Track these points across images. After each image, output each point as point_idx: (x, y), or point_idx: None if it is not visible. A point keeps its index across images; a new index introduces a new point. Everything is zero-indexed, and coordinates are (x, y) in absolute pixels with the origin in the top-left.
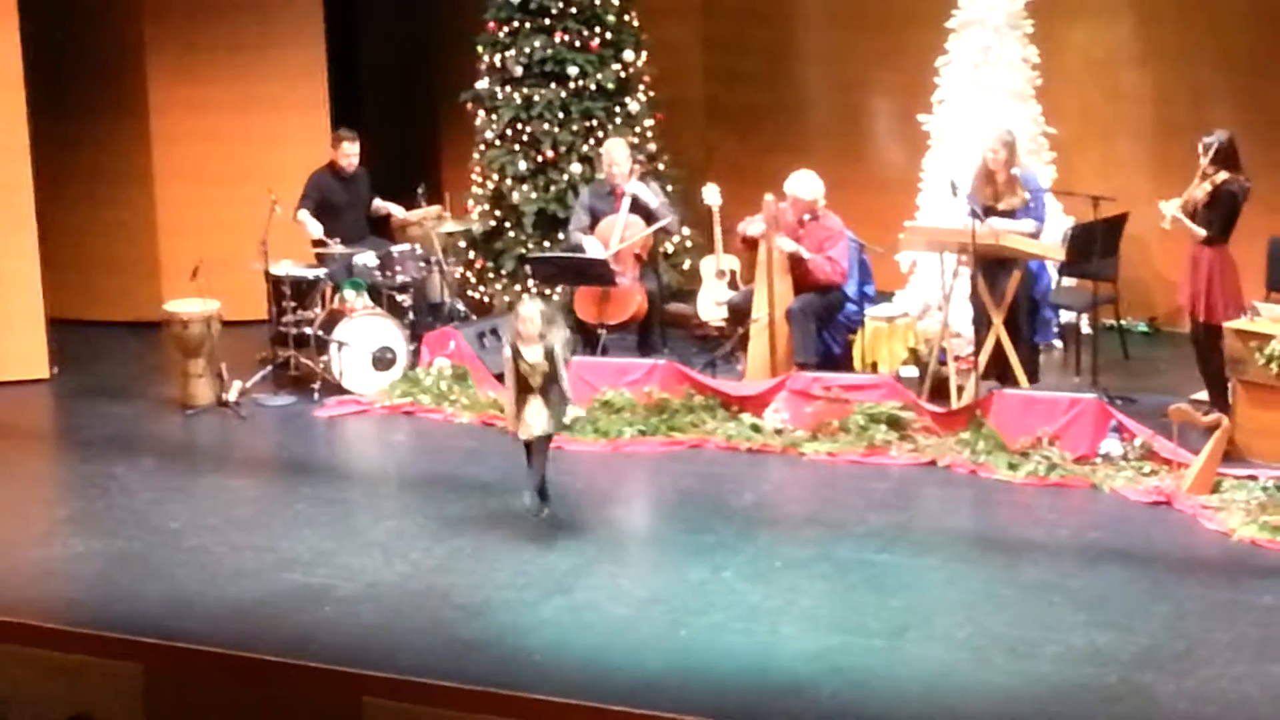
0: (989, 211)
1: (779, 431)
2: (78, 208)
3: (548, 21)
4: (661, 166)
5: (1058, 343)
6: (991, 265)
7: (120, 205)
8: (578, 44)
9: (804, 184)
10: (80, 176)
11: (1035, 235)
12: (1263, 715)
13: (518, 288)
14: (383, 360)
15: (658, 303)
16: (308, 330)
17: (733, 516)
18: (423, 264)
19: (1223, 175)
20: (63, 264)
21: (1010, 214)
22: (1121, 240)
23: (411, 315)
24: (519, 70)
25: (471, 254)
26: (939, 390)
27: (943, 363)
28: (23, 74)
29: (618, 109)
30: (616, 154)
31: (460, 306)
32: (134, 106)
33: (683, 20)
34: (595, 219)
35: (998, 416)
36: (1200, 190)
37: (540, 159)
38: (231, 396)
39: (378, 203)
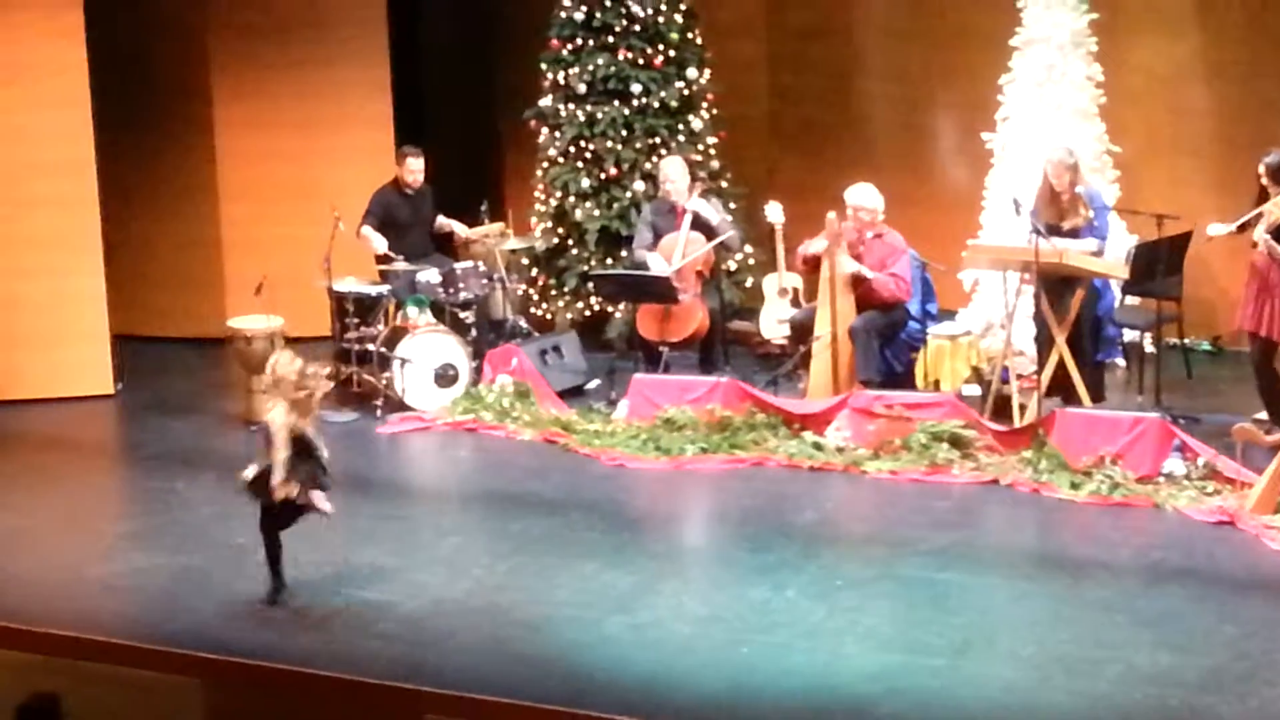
0: (1053, 230)
1: (841, 449)
2: (143, 224)
3: (611, 39)
4: (724, 184)
5: (1121, 361)
6: (1055, 283)
7: (185, 222)
8: (641, 61)
9: (865, 195)
10: (146, 193)
11: (1098, 254)
12: None
13: (580, 305)
14: (445, 377)
15: (719, 320)
16: (370, 347)
17: (795, 535)
18: (485, 281)
19: None
20: (128, 280)
21: (1074, 232)
22: (1185, 259)
23: (474, 332)
24: (582, 87)
25: (534, 271)
26: (1001, 409)
27: (1005, 381)
28: (89, 92)
29: (681, 126)
30: (671, 170)
31: (523, 323)
32: (199, 124)
33: (747, 38)
34: (658, 236)
35: (1060, 435)
36: None
37: (603, 176)
38: None
39: (441, 220)
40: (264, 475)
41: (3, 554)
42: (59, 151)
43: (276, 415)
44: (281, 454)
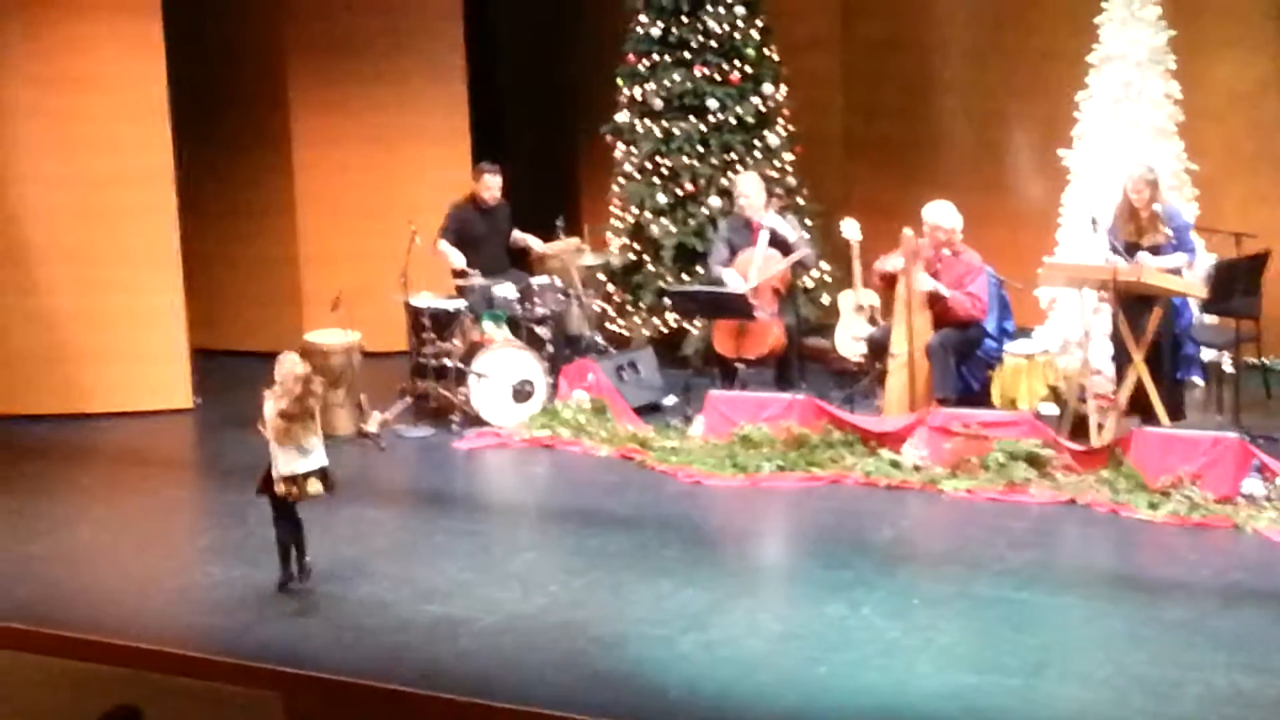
0: (1131, 248)
1: (918, 468)
2: (221, 239)
3: (687, 55)
4: (800, 200)
5: (1199, 380)
6: (1132, 302)
7: (263, 237)
8: (717, 77)
9: (943, 213)
10: (224, 208)
11: (1189, 268)
12: None
13: (656, 321)
14: (522, 392)
15: (796, 337)
16: (447, 362)
17: (871, 553)
18: (562, 296)
19: None
20: (206, 295)
21: (1153, 250)
22: (1264, 277)
23: (550, 348)
24: (659, 103)
25: (610, 287)
26: (1079, 428)
27: (1083, 400)
28: (169, 104)
29: (757, 142)
30: (747, 186)
31: (599, 339)
32: (277, 139)
33: (823, 53)
34: (734, 252)
35: (1138, 455)
36: None
37: (679, 192)
38: (371, 427)
39: (516, 235)
40: (268, 472)
41: (83, 567)
42: (138, 163)
43: (266, 409)
44: (272, 446)
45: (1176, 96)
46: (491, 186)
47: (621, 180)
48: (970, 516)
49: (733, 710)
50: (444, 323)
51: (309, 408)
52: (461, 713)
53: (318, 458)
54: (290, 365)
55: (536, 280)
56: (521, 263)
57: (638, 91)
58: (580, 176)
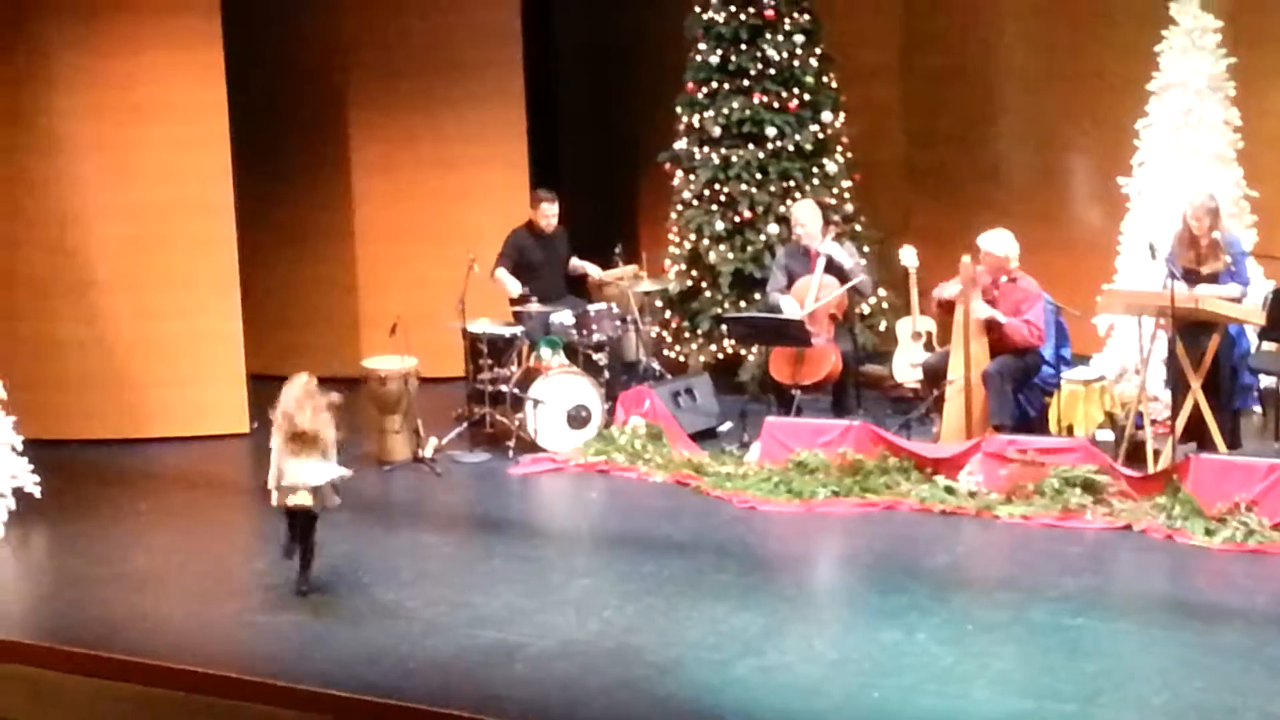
0: (1191, 275)
1: (973, 494)
2: (281, 265)
3: (746, 83)
4: (858, 228)
5: (1257, 408)
6: (1190, 329)
7: (322, 263)
8: (776, 105)
9: (997, 241)
10: (283, 234)
11: (1239, 299)
12: None
13: (713, 347)
14: (578, 418)
15: (852, 363)
16: (504, 388)
17: (926, 578)
18: (619, 323)
19: None
20: (264, 320)
21: (1213, 277)
22: None
23: (607, 374)
24: (717, 131)
25: (668, 313)
26: (1135, 454)
27: (1139, 426)
28: (229, 132)
29: (815, 170)
30: (803, 214)
31: (655, 365)
32: (337, 165)
33: (882, 81)
34: (791, 279)
35: (1195, 481)
36: None
37: (737, 219)
38: (428, 453)
39: (575, 262)
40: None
41: (140, 592)
42: (199, 191)
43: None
44: (273, 460)
45: (1236, 123)
46: (549, 214)
47: (680, 207)
48: (1025, 542)
49: None
50: (501, 349)
51: (312, 429)
52: None
53: (315, 474)
54: (298, 388)
55: (594, 307)
56: (579, 290)
57: (696, 119)
58: (639, 204)
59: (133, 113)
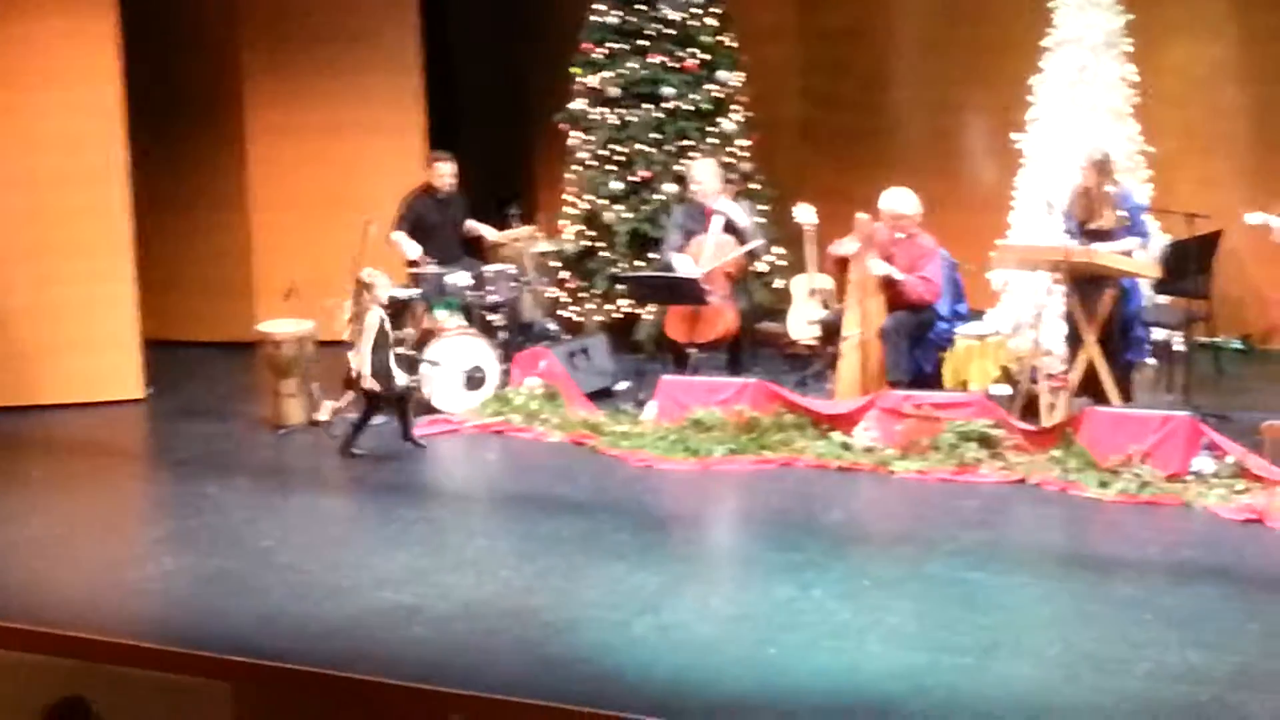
0: (1087, 231)
1: (869, 449)
2: (174, 231)
3: (643, 43)
4: (756, 186)
5: (1151, 360)
6: (1085, 283)
7: (216, 229)
8: (673, 65)
9: (900, 199)
10: (177, 199)
11: (1138, 250)
12: None
13: (609, 307)
14: (474, 379)
15: (748, 322)
16: (400, 350)
17: (822, 535)
18: (515, 284)
19: None
20: (158, 286)
21: (1108, 233)
22: (1216, 257)
23: (503, 335)
24: (614, 91)
25: (564, 274)
26: (1030, 408)
27: (1034, 381)
28: (123, 100)
29: (712, 129)
30: (700, 173)
31: (552, 326)
32: (231, 132)
33: (779, 42)
34: (688, 238)
35: (1088, 434)
36: None
37: (634, 179)
38: (323, 416)
39: (469, 224)
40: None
41: (34, 558)
42: (93, 159)
43: (371, 318)
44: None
45: (1133, 79)
46: (444, 174)
47: (576, 168)
48: (921, 497)
49: (686, 692)
50: (397, 311)
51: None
52: (415, 699)
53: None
54: (375, 274)
55: (490, 268)
56: (475, 251)
57: (593, 79)
58: (535, 165)
59: (26, 81)
